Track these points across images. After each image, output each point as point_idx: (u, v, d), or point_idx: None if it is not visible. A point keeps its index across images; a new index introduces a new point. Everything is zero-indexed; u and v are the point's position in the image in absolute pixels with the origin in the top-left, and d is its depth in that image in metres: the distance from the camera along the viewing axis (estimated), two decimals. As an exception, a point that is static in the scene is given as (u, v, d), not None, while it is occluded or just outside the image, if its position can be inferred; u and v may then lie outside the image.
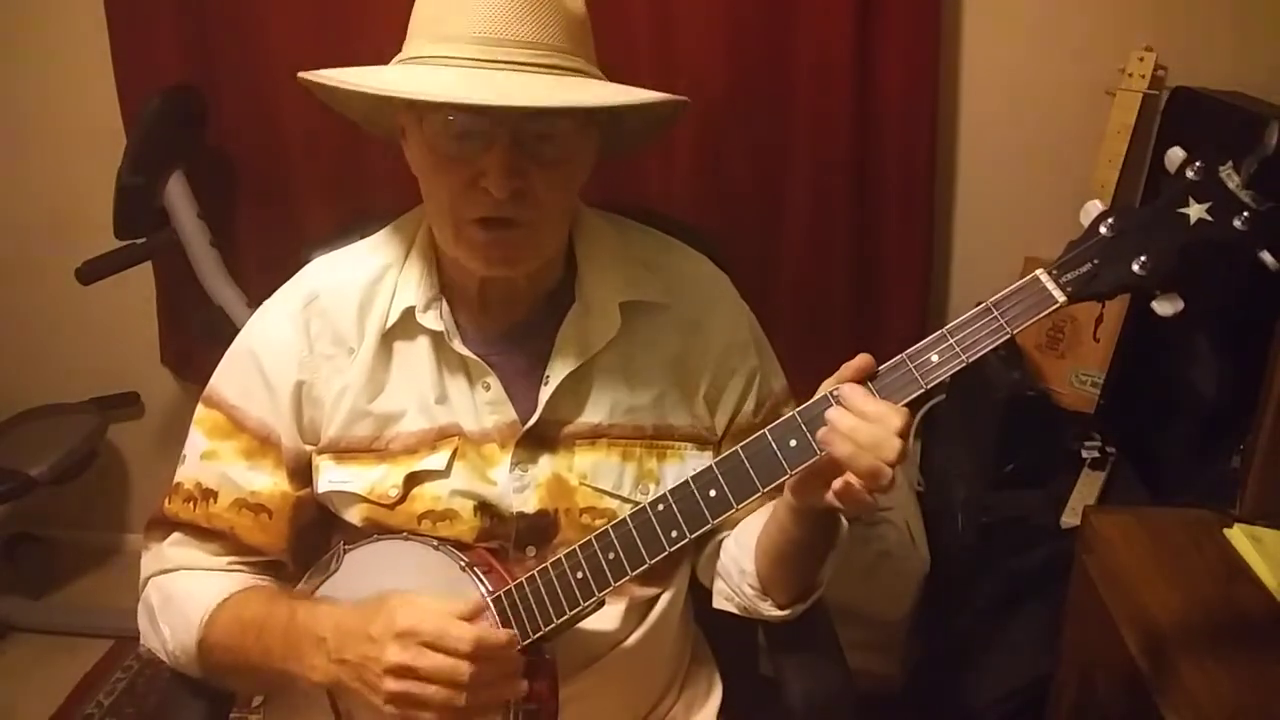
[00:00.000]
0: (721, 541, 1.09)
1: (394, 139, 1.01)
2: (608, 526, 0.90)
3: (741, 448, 0.87)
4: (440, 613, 0.86)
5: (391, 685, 0.84)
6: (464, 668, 0.84)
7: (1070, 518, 1.57)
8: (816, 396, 0.85)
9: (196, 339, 2.09)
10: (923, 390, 0.83)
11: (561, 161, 0.92)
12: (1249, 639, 1.09)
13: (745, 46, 1.80)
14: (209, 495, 1.02)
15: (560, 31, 0.91)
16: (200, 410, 1.05)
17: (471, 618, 0.88)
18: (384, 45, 0.98)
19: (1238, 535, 1.21)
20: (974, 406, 1.75)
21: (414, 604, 0.87)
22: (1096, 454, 1.69)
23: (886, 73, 1.80)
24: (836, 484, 0.82)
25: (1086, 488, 1.64)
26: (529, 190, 0.89)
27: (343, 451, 1.01)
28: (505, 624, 0.91)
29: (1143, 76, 1.70)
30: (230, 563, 1.04)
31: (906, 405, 0.82)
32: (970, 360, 0.81)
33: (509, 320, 1.03)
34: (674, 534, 0.88)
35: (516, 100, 0.85)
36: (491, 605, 0.92)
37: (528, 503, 1.00)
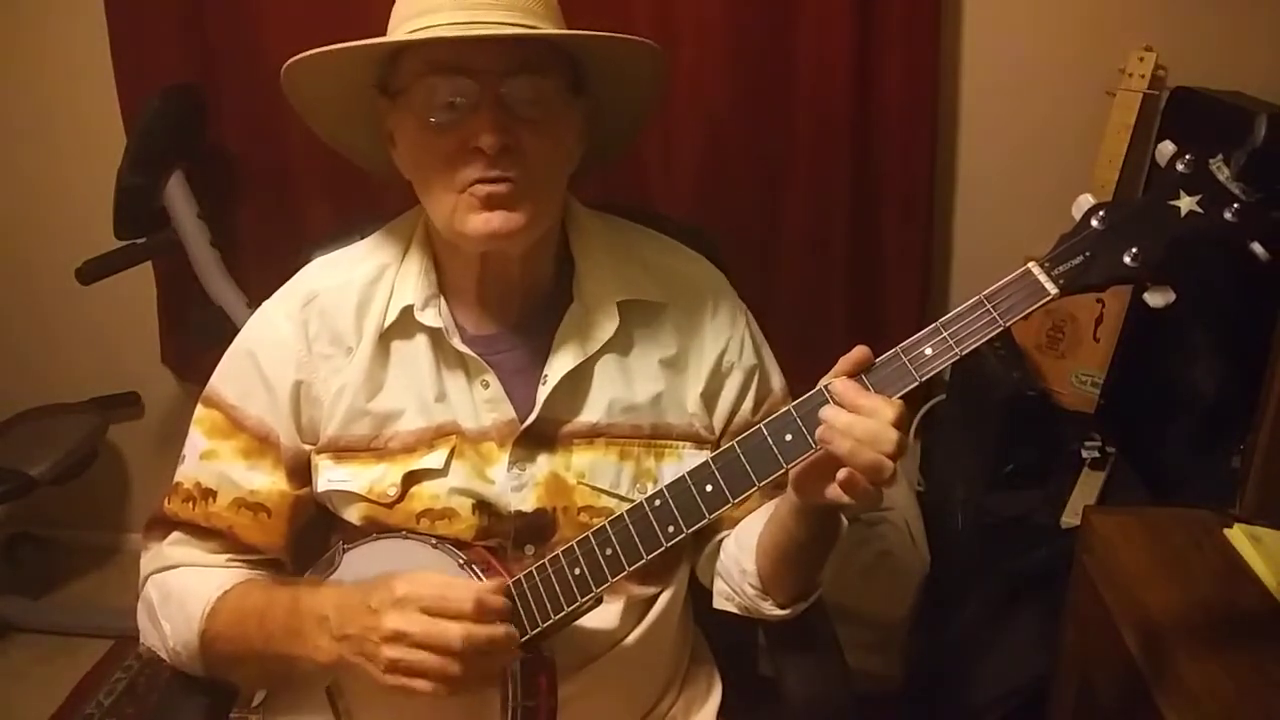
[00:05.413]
0: (721, 541, 1.09)
1: (380, 161, 1.03)
2: (605, 523, 0.90)
3: (738, 443, 0.87)
4: (441, 581, 0.88)
5: (389, 652, 0.85)
6: (455, 630, 0.84)
7: (1070, 518, 1.57)
8: (812, 391, 0.85)
9: (196, 339, 2.09)
10: (917, 383, 0.83)
11: (547, 122, 0.94)
12: (1249, 638, 1.08)
13: (746, 47, 1.80)
14: (208, 495, 1.03)
15: (537, 2, 0.94)
16: (199, 410, 1.05)
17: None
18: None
19: (1238, 535, 1.21)
20: (974, 406, 1.75)
21: (414, 575, 0.88)
22: (1096, 454, 1.68)
23: (886, 73, 1.80)
24: (841, 474, 0.82)
25: (1086, 488, 1.63)
26: (518, 147, 0.92)
27: (341, 451, 1.01)
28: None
29: (1143, 76, 1.70)
30: (229, 559, 1.04)
31: (902, 399, 0.82)
32: (963, 352, 0.81)
33: (507, 319, 1.03)
34: (671, 529, 0.88)
35: (493, 31, 0.89)
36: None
37: (526, 501, 1.00)
